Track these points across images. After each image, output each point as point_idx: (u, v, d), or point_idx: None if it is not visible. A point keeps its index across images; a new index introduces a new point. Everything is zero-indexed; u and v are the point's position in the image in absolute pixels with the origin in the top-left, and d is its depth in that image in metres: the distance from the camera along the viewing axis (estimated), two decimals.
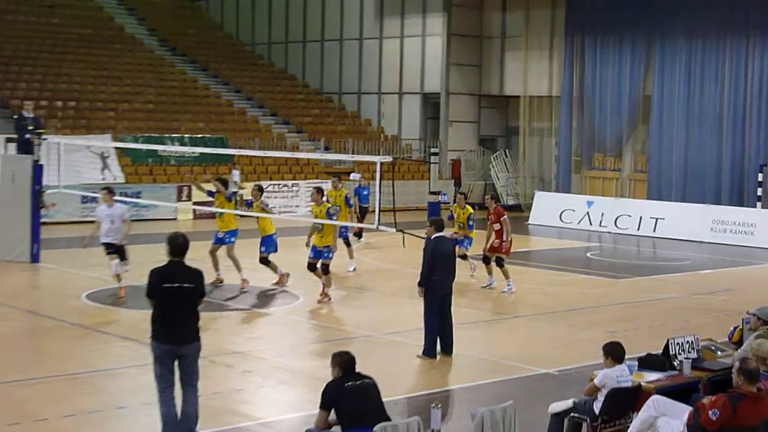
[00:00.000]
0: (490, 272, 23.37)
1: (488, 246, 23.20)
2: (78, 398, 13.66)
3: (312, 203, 22.05)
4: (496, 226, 22.99)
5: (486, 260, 23.32)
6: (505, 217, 23.14)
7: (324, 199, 22.27)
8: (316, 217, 21.27)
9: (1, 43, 44.78)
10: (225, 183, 23.62)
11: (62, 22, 49.05)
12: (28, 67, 43.55)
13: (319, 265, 21.04)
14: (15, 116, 31.19)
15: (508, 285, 22.91)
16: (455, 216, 23.96)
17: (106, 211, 20.94)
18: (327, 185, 27.48)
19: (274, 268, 22.44)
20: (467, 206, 24.38)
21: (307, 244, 21.68)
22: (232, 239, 22.45)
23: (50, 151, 26.23)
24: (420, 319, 16.81)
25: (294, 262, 24.43)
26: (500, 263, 22.94)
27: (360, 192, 32.67)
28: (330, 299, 20.97)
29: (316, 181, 40.04)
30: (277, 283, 22.56)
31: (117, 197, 23.35)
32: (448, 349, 16.62)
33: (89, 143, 35.12)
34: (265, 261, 22.48)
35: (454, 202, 25.59)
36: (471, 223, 23.86)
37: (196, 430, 11.58)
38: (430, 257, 16.44)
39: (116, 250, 20.63)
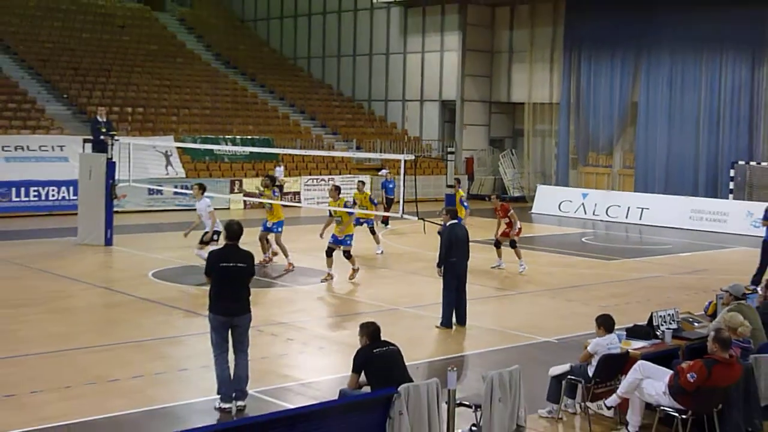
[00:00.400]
0: (499, 255, 23.39)
1: (499, 233, 23.36)
2: (145, 362, 13.72)
3: (330, 199, 22.02)
4: (506, 220, 23.18)
5: (497, 244, 23.38)
6: (512, 211, 23.50)
7: (349, 198, 22.43)
8: (334, 211, 21.36)
9: (80, 58, 45.00)
10: (273, 179, 23.66)
11: (132, 40, 49.21)
12: (102, 78, 43.70)
13: (341, 252, 21.09)
14: (90, 120, 31.33)
15: (521, 265, 22.99)
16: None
17: (196, 204, 21.40)
18: (339, 180, 27.47)
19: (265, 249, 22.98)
20: (459, 189, 24.89)
21: (321, 235, 21.88)
22: (279, 229, 22.44)
23: (121, 150, 26.29)
24: (437, 295, 16.81)
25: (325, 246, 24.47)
26: (513, 245, 23.17)
27: (386, 185, 32.80)
28: (357, 272, 21.11)
29: (349, 176, 40.14)
30: (267, 262, 22.99)
31: (180, 191, 23.34)
32: (462, 321, 16.67)
33: (154, 143, 35.29)
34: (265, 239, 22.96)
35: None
36: (465, 204, 24.14)
37: (246, 389, 11.64)
38: (446, 241, 16.47)
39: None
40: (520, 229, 23.56)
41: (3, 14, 47.24)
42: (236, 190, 37.16)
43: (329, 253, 20.96)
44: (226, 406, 11.42)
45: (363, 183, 26.89)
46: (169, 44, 50.88)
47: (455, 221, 16.85)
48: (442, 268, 16.49)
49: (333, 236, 21.09)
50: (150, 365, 13.53)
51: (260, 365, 13.13)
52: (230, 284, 11.50)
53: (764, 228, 21.92)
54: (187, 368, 13.53)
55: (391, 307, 18.32)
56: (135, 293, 19.00)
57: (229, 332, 11.53)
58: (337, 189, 21.63)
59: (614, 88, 41.99)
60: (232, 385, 11.47)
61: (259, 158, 39.29)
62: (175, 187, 33.46)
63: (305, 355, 14.62)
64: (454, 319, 16.61)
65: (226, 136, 40.24)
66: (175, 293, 19.17)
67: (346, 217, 21.05)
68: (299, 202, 38.47)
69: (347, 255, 21.02)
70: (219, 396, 11.53)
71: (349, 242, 20.99)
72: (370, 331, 10.42)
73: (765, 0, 37.10)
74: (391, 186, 33.04)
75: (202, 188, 21.53)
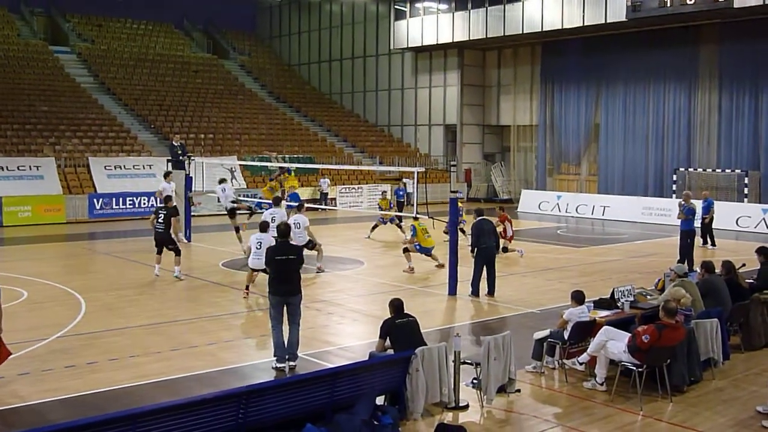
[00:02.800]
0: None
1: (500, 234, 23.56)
2: (218, 332, 13.77)
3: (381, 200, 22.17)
4: (500, 227, 23.10)
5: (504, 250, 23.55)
6: (509, 224, 23.95)
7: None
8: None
9: (164, 96, 45.21)
10: (277, 201, 21.38)
11: (203, 82, 49.40)
12: (181, 112, 43.89)
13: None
14: (168, 146, 31.40)
15: (519, 251, 23.34)
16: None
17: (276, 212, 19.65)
18: (367, 189, 27.34)
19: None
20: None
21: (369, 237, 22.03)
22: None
23: (196, 168, 26.37)
24: (443, 275, 16.77)
25: (361, 239, 24.46)
26: (505, 250, 23.16)
27: (398, 192, 33.09)
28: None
29: (374, 185, 40.15)
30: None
31: (242, 198, 22.80)
32: (492, 292, 17.06)
33: (222, 162, 35.39)
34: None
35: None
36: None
37: (297, 352, 11.65)
38: (476, 231, 16.87)
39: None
40: (511, 236, 23.66)
41: (105, 65, 47.59)
42: (286, 198, 37.08)
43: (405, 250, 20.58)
44: (281, 365, 11.43)
45: (384, 192, 27.01)
46: (233, 85, 51.03)
47: (482, 217, 17.18)
48: (476, 250, 16.84)
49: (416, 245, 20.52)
50: (221, 334, 13.58)
51: (307, 333, 13.17)
52: (285, 271, 11.52)
53: (679, 220, 21.69)
54: (251, 336, 13.56)
55: (409, 286, 18.32)
56: (209, 278, 19.09)
57: (285, 308, 11.56)
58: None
59: (581, 113, 41.84)
60: (286, 350, 11.49)
61: (304, 172, 39.31)
62: (238, 195, 33.48)
63: (342, 326, 14.63)
64: (483, 291, 16.97)
65: (279, 155, 40.21)
66: (241, 278, 19.25)
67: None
68: (336, 206, 38.55)
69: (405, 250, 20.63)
70: (275, 358, 11.55)
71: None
72: (395, 305, 10.45)
73: (698, 41, 36.95)
74: (401, 192, 33.59)
75: (277, 201, 20.55)
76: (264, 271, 15.31)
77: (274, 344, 11.54)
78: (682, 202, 21.96)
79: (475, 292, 16.91)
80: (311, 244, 19.50)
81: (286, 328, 11.59)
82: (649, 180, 38.84)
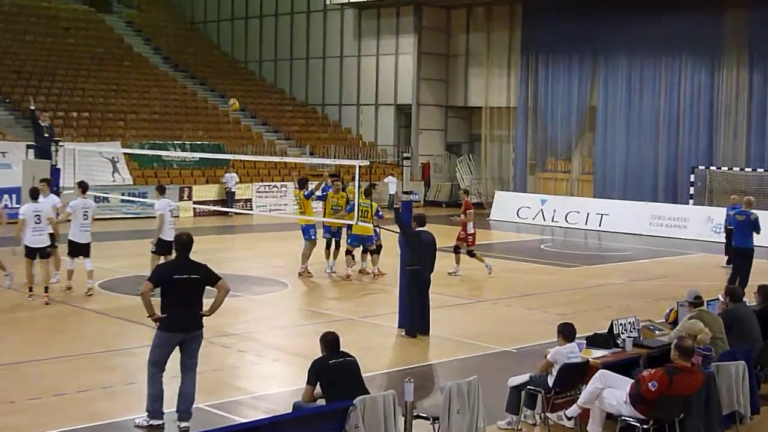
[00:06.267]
0: (457, 261, 23.45)
1: (457, 235, 23.50)
2: (93, 374, 13.58)
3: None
4: (462, 217, 23.24)
5: (456, 249, 23.47)
6: (471, 211, 23.49)
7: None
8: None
9: (23, 61, 44.59)
10: (304, 181, 23.39)
11: (77, 42, 48.86)
12: (47, 82, 43.34)
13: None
14: (28, 117, 30.88)
15: (487, 266, 23.26)
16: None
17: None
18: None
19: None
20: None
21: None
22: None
23: (66, 157, 26.04)
24: (394, 303, 16.78)
25: (286, 253, 24.40)
26: (471, 254, 23.29)
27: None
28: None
29: None
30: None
31: (128, 198, 23.01)
32: (425, 330, 16.69)
33: (101, 149, 35.00)
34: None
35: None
36: (380, 213, 23.57)
37: (192, 408, 11.39)
38: (411, 247, 16.51)
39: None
40: (472, 234, 23.49)
41: None
42: (185, 198, 36.98)
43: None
44: (155, 422, 11.21)
45: (337, 182, 26.82)
46: (116, 47, 50.53)
47: (423, 228, 16.85)
48: (407, 274, 16.54)
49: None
50: (97, 378, 13.40)
51: (211, 377, 13.04)
52: (186, 298, 11.24)
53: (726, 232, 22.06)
54: (136, 381, 13.37)
55: (347, 316, 18.28)
56: (81, 304, 18.81)
57: (177, 348, 11.35)
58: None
59: (572, 92, 42.27)
60: (180, 404, 11.23)
61: (210, 164, 39.16)
62: (123, 194, 33.24)
63: (259, 367, 14.54)
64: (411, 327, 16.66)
65: (175, 142, 40.01)
66: (122, 304, 18.99)
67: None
68: (251, 209, 38.35)
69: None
70: (146, 414, 11.20)
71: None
72: (328, 341, 10.36)
73: (723, 4, 37.56)
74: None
75: (160, 189, 21.23)
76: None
77: (151, 397, 11.18)
78: (742, 207, 22.33)
79: (410, 329, 16.59)
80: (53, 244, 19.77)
81: (167, 380, 11.41)
82: (659, 181, 39.35)
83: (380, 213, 22.58)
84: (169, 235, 19.78)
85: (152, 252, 20.12)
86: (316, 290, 21.17)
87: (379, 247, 22.69)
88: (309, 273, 22.51)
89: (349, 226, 21.43)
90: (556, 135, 42.97)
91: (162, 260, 19.04)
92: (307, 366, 10.37)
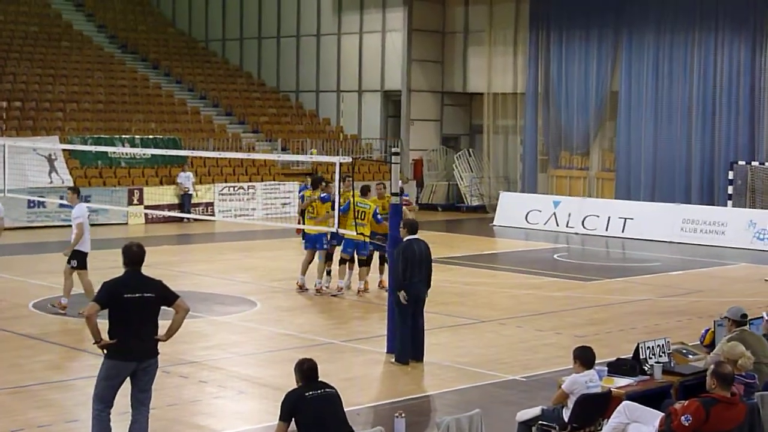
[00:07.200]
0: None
1: None
2: (26, 411, 13.54)
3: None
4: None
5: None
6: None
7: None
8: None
9: None
10: (318, 180, 23.32)
11: (6, 19, 48.69)
12: None
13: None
14: None
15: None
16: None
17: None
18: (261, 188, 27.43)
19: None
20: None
21: None
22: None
23: None
24: (382, 324, 16.77)
25: (254, 266, 24.36)
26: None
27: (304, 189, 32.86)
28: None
29: (273, 183, 40.11)
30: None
31: (66, 203, 22.99)
32: (419, 356, 16.67)
33: (36, 145, 34.98)
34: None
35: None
36: (379, 217, 23.31)
37: None
38: (403, 260, 16.44)
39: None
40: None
41: None
42: (135, 201, 36.93)
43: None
44: None
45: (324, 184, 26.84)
46: (54, 25, 50.43)
47: (414, 236, 16.77)
48: (401, 292, 16.37)
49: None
50: (32, 415, 13.36)
51: (167, 414, 13.03)
52: (136, 320, 11.15)
53: None
54: (77, 419, 13.37)
55: (327, 340, 18.27)
56: (12, 328, 18.74)
57: (128, 380, 11.26)
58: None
59: (590, 75, 42.26)
60: None
61: (164, 162, 39.06)
62: (61, 198, 33.09)
63: (222, 401, 14.50)
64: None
65: (124, 136, 39.88)
66: (60, 327, 18.93)
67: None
68: (212, 215, 38.30)
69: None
70: None
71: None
72: (305, 370, 10.34)
73: None
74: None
75: (76, 191, 20.68)
76: None
77: None
78: None
79: (402, 357, 16.57)
80: None
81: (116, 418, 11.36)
82: (692, 179, 39.41)
83: (379, 217, 22.18)
84: (86, 247, 19.70)
85: (72, 267, 19.80)
86: (291, 310, 21.13)
87: (370, 257, 22.64)
88: (302, 287, 22.73)
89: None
90: (572, 125, 42.98)
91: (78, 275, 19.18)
92: (279, 399, 10.36)
